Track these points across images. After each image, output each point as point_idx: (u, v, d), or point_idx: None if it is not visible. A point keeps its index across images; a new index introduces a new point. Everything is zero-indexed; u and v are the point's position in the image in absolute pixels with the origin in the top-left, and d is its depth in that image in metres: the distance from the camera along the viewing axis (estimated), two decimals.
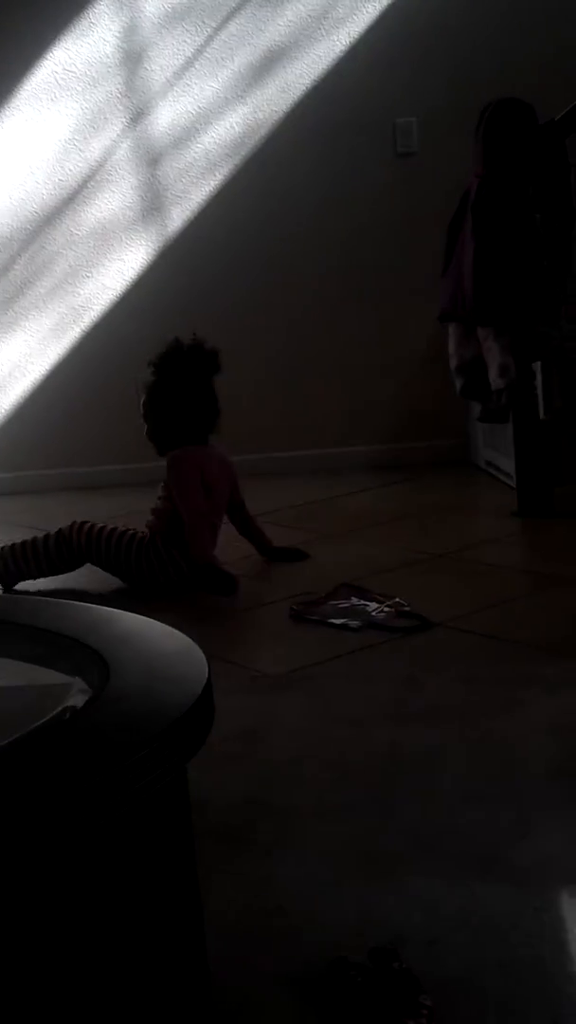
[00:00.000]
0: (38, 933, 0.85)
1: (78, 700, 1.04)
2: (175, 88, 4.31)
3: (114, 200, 4.37)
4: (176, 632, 1.22)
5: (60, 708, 1.03)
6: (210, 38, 4.30)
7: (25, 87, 4.28)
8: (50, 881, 0.84)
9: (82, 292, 4.43)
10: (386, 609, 2.57)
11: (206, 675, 1.06)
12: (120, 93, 4.31)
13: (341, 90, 4.29)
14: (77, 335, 4.45)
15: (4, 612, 1.34)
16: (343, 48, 4.28)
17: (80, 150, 4.34)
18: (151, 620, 1.29)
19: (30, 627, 1.25)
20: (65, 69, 4.28)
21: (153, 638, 1.22)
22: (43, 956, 0.85)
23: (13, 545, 3.00)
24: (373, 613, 2.55)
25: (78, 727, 0.98)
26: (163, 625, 1.26)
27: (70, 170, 4.35)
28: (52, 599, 1.38)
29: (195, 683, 1.04)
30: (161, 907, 0.98)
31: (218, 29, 4.29)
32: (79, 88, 4.30)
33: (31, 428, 4.48)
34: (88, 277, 4.42)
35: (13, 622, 1.28)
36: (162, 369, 3.09)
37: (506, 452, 3.73)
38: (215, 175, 4.35)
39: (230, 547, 3.19)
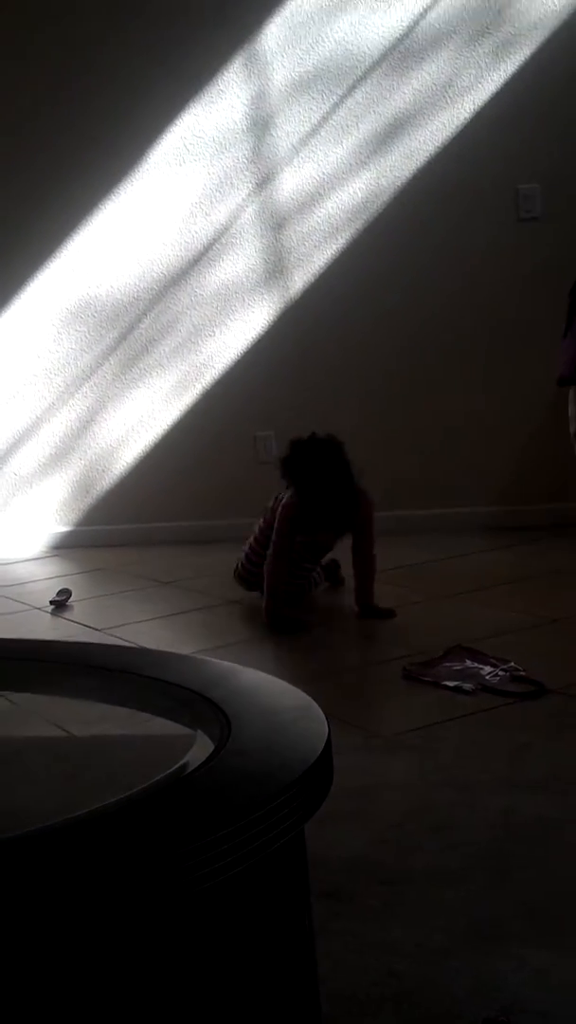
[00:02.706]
0: (157, 990, 0.86)
1: (199, 754, 1.06)
2: (300, 154, 4.41)
3: (238, 263, 4.48)
4: (295, 689, 1.23)
5: (182, 762, 1.05)
6: (336, 106, 4.39)
7: (155, 152, 4.44)
8: (167, 939, 0.85)
9: (204, 351, 4.54)
10: (501, 673, 2.54)
11: (326, 733, 1.06)
12: (247, 159, 4.43)
13: (464, 157, 4.33)
14: (198, 392, 4.56)
15: (131, 664, 1.37)
16: (467, 116, 4.32)
17: (207, 214, 4.47)
18: (271, 676, 1.31)
19: (155, 679, 1.28)
20: (194, 135, 4.43)
21: (273, 694, 1.23)
22: (160, 1011, 0.86)
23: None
24: (487, 676, 2.53)
25: (199, 782, 0.99)
26: (282, 682, 1.28)
27: (196, 233, 4.48)
28: (178, 654, 1.41)
29: (316, 740, 1.04)
30: (278, 968, 0.99)
31: (344, 97, 4.38)
32: (207, 153, 4.44)
33: (152, 482, 4.60)
34: (211, 336, 4.53)
35: (139, 674, 1.31)
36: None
37: None
38: (337, 239, 4.43)
39: (339, 604, 3.19)
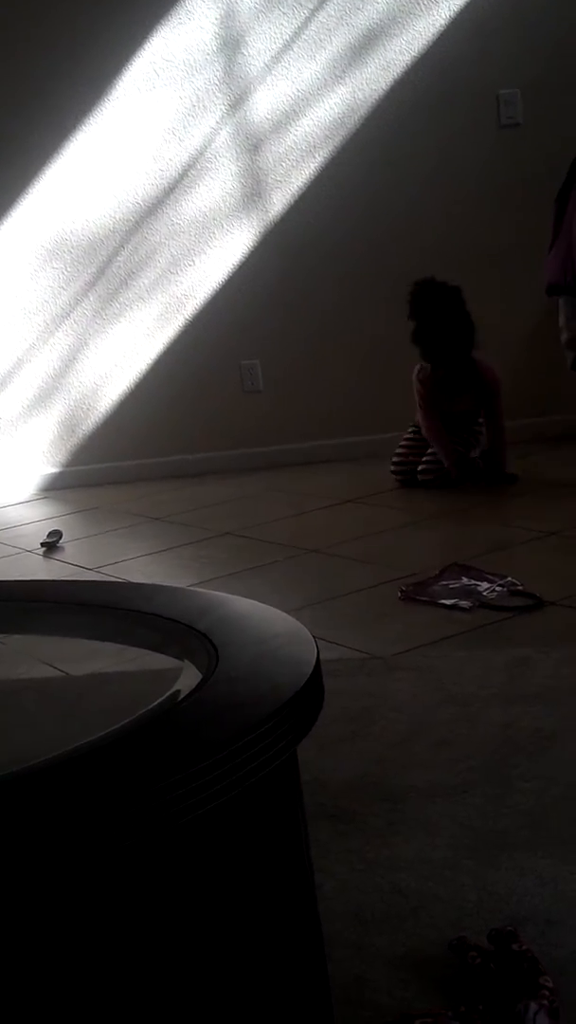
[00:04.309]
0: (150, 916, 0.86)
1: (187, 685, 1.05)
2: (273, 72, 4.31)
3: (215, 188, 4.39)
4: (284, 615, 1.22)
5: (169, 692, 1.04)
6: (307, 20, 4.28)
7: (124, 78, 4.33)
8: (161, 865, 0.85)
9: (185, 281, 4.47)
10: (498, 588, 2.54)
11: (315, 656, 1.06)
12: (219, 80, 4.32)
13: (442, 64, 4.23)
14: (181, 323, 4.50)
15: (120, 600, 1.36)
16: (443, 22, 4.22)
17: (180, 140, 4.37)
18: (260, 604, 1.29)
19: (141, 612, 1.27)
20: (163, 58, 4.31)
21: (263, 621, 1.22)
22: (156, 937, 0.87)
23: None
24: (485, 592, 2.53)
25: (187, 712, 0.99)
26: (272, 608, 1.27)
27: (170, 160, 4.39)
28: (165, 585, 1.40)
29: (305, 664, 1.03)
30: (275, 890, 0.99)
31: (315, 11, 4.27)
32: (178, 77, 4.33)
33: (138, 417, 4.56)
34: (191, 266, 4.46)
35: (126, 608, 1.30)
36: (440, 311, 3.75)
37: None
38: (316, 157, 4.34)
39: (332, 529, 3.19)
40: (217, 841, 0.90)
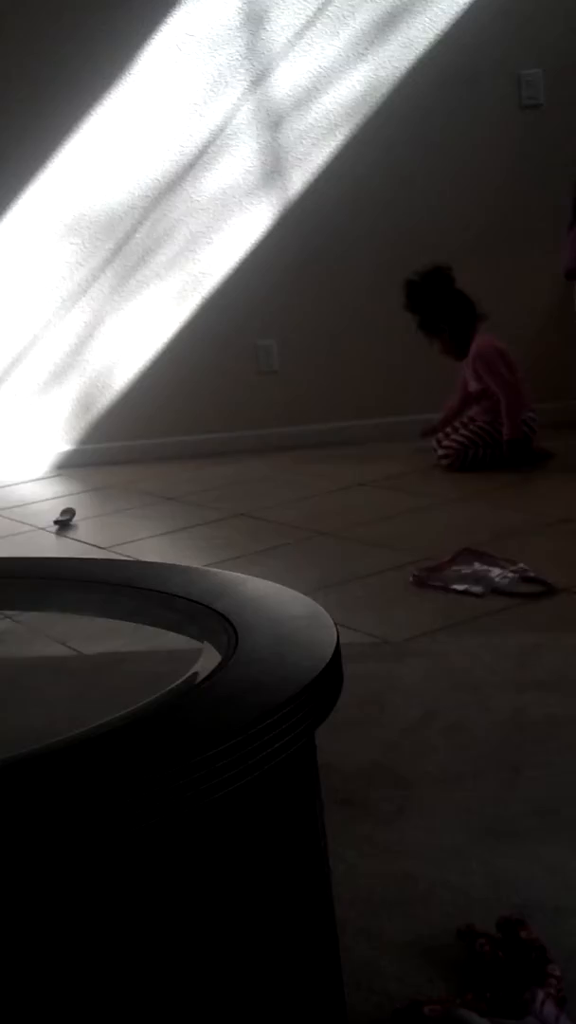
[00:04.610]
0: (168, 899, 0.86)
1: (207, 665, 1.05)
2: (295, 49, 4.28)
3: (235, 165, 4.37)
4: (303, 597, 1.22)
5: (189, 673, 1.04)
6: None
7: (145, 52, 4.30)
8: (179, 848, 0.85)
9: (203, 259, 4.45)
10: (510, 575, 2.53)
11: (335, 640, 1.05)
12: (241, 56, 4.29)
13: (464, 43, 4.21)
14: (198, 302, 4.48)
15: (136, 578, 1.36)
16: (466, 1, 4.19)
17: (200, 115, 4.35)
18: (278, 585, 1.29)
19: (160, 592, 1.27)
20: (186, 33, 4.29)
21: (281, 603, 1.22)
22: (173, 920, 0.87)
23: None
24: (496, 579, 2.52)
25: (207, 693, 0.99)
26: (290, 590, 1.26)
27: (191, 136, 4.36)
28: (183, 566, 1.39)
29: (325, 647, 1.03)
30: (291, 874, 0.99)
31: None
32: (200, 52, 4.30)
33: (153, 396, 4.55)
34: (209, 243, 4.44)
35: (145, 588, 1.30)
36: (427, 297, 3.90)
37: None
38: (336, 135, 4.32)
39: (346, 512, 3.18)
40: (234, 825, 0.90)
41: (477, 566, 2.61)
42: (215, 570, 1.40)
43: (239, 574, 1.38)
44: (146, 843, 0.81)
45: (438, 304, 3.87)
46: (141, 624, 1.24)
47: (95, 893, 0.81)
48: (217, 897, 0.90)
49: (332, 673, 1.00)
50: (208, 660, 1.07)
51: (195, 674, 1.04)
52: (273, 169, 4.37)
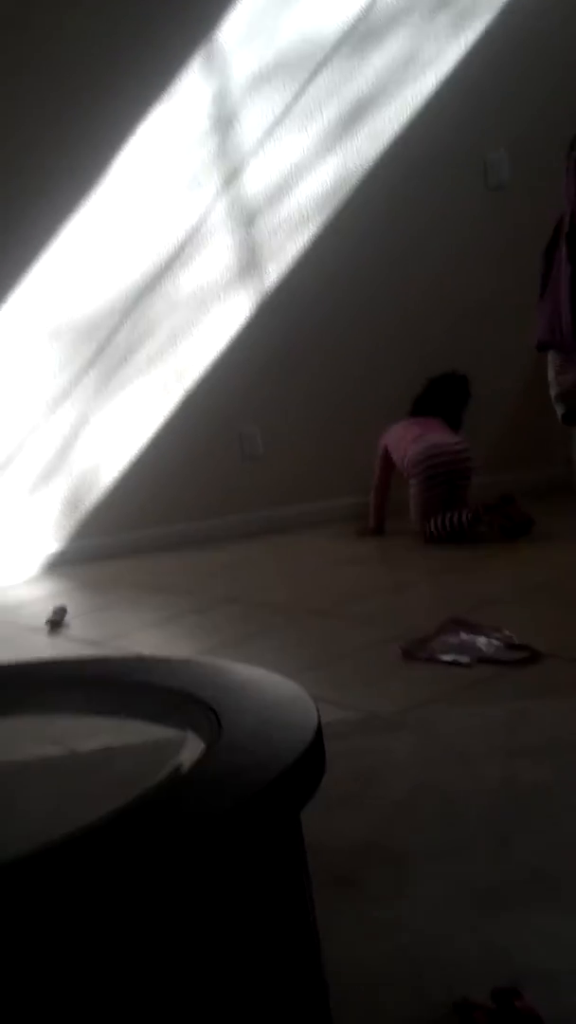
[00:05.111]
0: (157, 985, 0.89)
1: (190, 755, 1.08)
2: (266, 147, 4.42)
3: (212, 262, 4.48)
4: (285, 680, 1.25)
5: (170, 765, 1.07)
6: (298, 94, 4.40)
7: (119, 158, 4.42)
8: (165, 936, 0.88)
9: (184, 354, 4.54)
10: (495, 642, 2.57)
11: (316, 721, 1.08)
12: (212, 156, 4.42)
13: (430, 131, 4.34)
14: (181, 396, 4.56)
15: (122, 673, 1.40)
16: (431, 89, 4.33)
17: (176, 216, 4.46)
18: (260, 670, 1.33)
19: (144, 684, 1.31)
20: (157, 138, 4.42)
21: (263, 688, 1.25)
22: (163, 1008, 0.89)
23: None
24: (483, 647, 2.56)
25: (188, 783, 1.01)
26: (272, 674, 1.30)
27: (167, 237, 4.47)
28: (169, 658, 1.44)
29: (305, 730, 1.06)
30: (281, 955, 1.01)
31: (306, 84, 4.39)
32: (172, 155, 4.42)
33: (140, 489, 4.60)
34: (189, 339, 4.53)
35: (130, 681, 1.34)
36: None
37: None
38: (309, 227, 4.44)
39: (333, 591, 3.21)
40: (221, 909, 0.93)
41: (463, 635, 2.65)
42: (200, 659, 1.44)
43: (224, 661, 1.42)
44: (129, 936, 0.83)
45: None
46: (128, 718, 1.28)
47: (86, 977, 0.84)
48: (206, 980, 0.92)
49: (314, 755, 1.03)
50: (192, 749, 1.10)
51: (179, 765, 1.07)
52: (249, 263, 4.49)
